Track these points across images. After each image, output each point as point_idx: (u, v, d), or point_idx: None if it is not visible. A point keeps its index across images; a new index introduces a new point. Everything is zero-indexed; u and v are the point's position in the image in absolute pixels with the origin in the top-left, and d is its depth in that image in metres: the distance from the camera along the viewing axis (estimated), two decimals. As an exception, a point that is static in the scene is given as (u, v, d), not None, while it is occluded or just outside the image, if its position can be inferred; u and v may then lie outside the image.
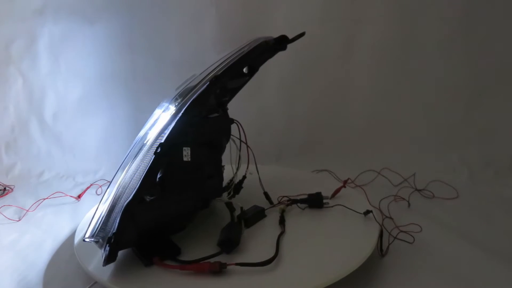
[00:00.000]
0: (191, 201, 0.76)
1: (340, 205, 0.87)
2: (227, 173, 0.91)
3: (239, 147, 0.88)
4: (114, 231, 0.65)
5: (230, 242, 0.72)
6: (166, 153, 0.68)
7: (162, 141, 0.69)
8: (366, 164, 1.26)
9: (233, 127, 0.87)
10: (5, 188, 1.26)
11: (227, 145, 0.88)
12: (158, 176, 0.70)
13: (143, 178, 0.67)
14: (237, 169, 0.90)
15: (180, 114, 0.71)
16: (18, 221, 1.04)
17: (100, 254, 0.70)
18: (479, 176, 1.23)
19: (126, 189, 0.71)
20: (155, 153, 0.68)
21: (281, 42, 0.82)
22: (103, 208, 0.74)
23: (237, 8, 1.43)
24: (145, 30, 1.46)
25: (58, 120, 1.49)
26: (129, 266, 0.69)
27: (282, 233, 0.77)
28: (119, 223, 0.66)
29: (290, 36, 0.83)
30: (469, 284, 0.72)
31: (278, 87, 1.48)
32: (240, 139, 0.87)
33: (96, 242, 0.69)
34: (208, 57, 1.44)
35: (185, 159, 0.72)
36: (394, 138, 1.41)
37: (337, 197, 0.93)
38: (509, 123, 1.33)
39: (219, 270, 0.65)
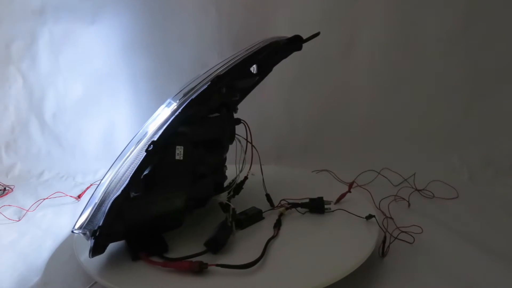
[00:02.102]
0: (181, 200, 0.76)
1: (341, 209, 0.85)
2: (231, 174, 0.90)
3: (245, 148, 0.87)
4: (99, 225, 0.67)
5: (215, 242, 0.71)
6: (157, 151, 0.69)
7: (155, 139, 0.70)
8: (366, 164, 1.25)
9: (241, 127, 0.86)
10: (5, 188, 1.26)
11: (234, 145, 0.88)
12: (144, 173, 0.70)
13: (132, 175, 0.68)
14: (241, 170, 0.89)
15: (176, 113, 0.72)
16: (18, 221, 1.04)
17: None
18: (479, 176, 1.23)
19: (117, 184, 0.72)
20: (147, 150, 0.68)
21: (295, 42, 0.82)
22: (94, 200, 0.75)
23: (237, 8, 1.43)
24: (145, 30, 1.46)
25: (58, 120, 1.49)
26: (126, 262, 0.70)
27: (273, 237, 0.76)
28: (105, 217, 0.67)
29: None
30: (469, 284, 0.72)
31: (278, 87, 1.48)
32: (246, 139, 0.86)
33: (84, 234, 0.70)
34: (209, 57, 1.45)
35: (177, 157, 0.72)
36: (394, 138, 1.41)
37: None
38: (509, 123, 1.33)
39: (198, 269, 0.65)
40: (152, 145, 0.68)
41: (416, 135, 1.40)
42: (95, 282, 0.69)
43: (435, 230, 0.90)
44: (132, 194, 0.71)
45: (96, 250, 0.67)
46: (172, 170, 0.73)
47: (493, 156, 1.29)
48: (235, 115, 0.89)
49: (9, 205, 1.12)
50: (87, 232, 0.69)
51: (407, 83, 1.41)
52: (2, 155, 1.44)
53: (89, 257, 0.67)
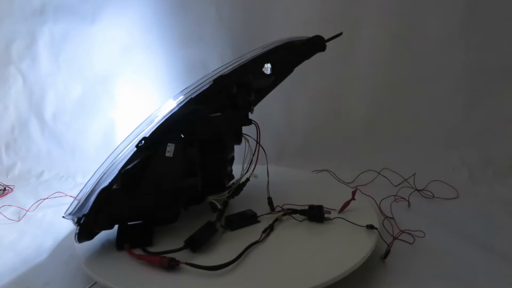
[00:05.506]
0: (168, 196, 0.75)
1: (341, 218, 0.82)
2: (237, 174, 0.90)
3: (253, 149, 0.87)
4: (85, 213, 0.69)
5: (194, 240, 0.71)
6: (148, 147, 0.69)
7: (147, 135, 0.70)
8: (366, 164, 1.26)
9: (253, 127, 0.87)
10: (5, 188, 1.26)
11: (242, 145, 0.87)
12: (129, 167, 0.71)
13: (120, 168, 0.69)
14: (246, 170, 0.89)
15: (173, 111, 0.72)
16: (18, 221, 1.04)
17: (100, 253, 0.73)
18: (479, 176, 1.23)
19: (109, 174, 0.73)
20: (137, 146, 0.69)
21: (315, 43, 0.81)
22: (87, 188, 0.77)
23: (237, 8, 1.43)
24: (145, 30, 1.46)
25: (58, 120, 1.49)
26: (126, 262, 0.70)
27: (256, 242, 0.73)
28: (91, 206, 0.69)
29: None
30: (468, 284, 0.72)
31: (278, 87, 1.48)
32: (256, 140, 0.86)
33: (73, 220, 0.72)
34: (209, 57, 1.45)
35: (167, 154, 0.72)
36: (394, 138, 1.41)
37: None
38: (509, 123, 1.33)
39: (167, 266, 0.65)
40: (143, 141, 0.69)
41: (416, 135, 1.40)
42: (95, 282, 0.69)
43: (435, 230, 0.90)
44: (115, 187, 0.71)
45: (81, 236, 0.70)
46: (160, 167, 0.73)
47: (493, 156, 1.29)
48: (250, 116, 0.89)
49: (9, 205, 1.12)
50: (75, 219, 0.71)
51: (407, 83, 1.41)
52: (2, 155, 1.44)
53: (76, 242, 0.71)
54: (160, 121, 0.73)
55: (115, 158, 0.77)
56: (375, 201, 0.99)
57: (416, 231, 0.87)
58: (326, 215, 0.82)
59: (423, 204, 1.06)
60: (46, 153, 1.46)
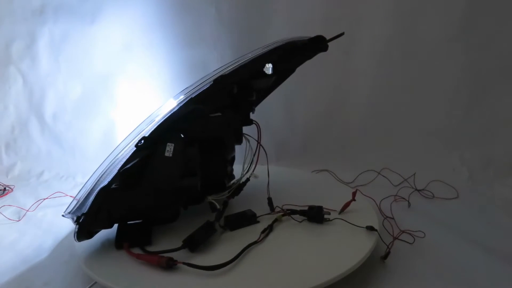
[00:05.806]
0: (167, 196, 0.75)
1: (340, 219, 0.81)
2: (237, 174, 0.90)
3: (254, 149, 0.87)
4: (84, 211, 0.69)
5: (192, 240, 0.71)
6: (148, 146, 0.69)
7: (147, 134, 0.70)
8: (366, 164, 1.26)
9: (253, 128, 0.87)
10: (5, 188, 1.26)
11: (243, 146, 0.88)
12: (127, 166, 0.71)
13: (119, 168, 0.69)
14: (247, 171, 0.89)
15: (173, 111, 0.72)
16: (18, 221, 1.04)
17: (100, 253, 0.73)
18: (479, 176, 1.23)
19: (109, 174, 0.73)
20: (136, 145, 0.69)
21: (317, 43, 0.81)
22: (87, 187, 0.77)
23: (237, 8, 1.43)
24: (145, 30, 1.46)
25: (58, 120, 1.49)
26: (126, 262, 0.70)
27: (255, 242, 0.73)
28: (90, 205, 0.69)
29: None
30: (468, 283, 0.72)
31: (279, 87, 1.48)
32: (257, 140, 0.86)
33: (72, 219, 0.72)
34: (209, 57, 1.45)
35: (166, 154, 0.72)
36: (394, 138, 1.41)
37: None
38: (509, 123, 1.33)
39: (165, 265, 0.65)
40: (143, 140, 0.69)
41: (416, 135, 1.40)
42: (95, 282, 0.69)
43: (435, 230, 0.90)
44: (114, 186, 0.72)
45: (81, 235, 0.70)
46: (159, 166, 0.73)
47: (493, 156, 1.29)
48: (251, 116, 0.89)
49: (9, 205, 1.12)
50: (75, 218, 0.71)
51: (407, 83, 1.41)
52: (2, 155, 1.44)
53: (75, 240, 0.71)
54: (160, 120, 0.73)
55: (115, 157, 0.78)
56: (375, 201, 0.99)
57: (416, 231, 0.87)
58: (325, 216, 0.82)
59: (423, 204, 1.06)
60: (46, 153, 1.46)
